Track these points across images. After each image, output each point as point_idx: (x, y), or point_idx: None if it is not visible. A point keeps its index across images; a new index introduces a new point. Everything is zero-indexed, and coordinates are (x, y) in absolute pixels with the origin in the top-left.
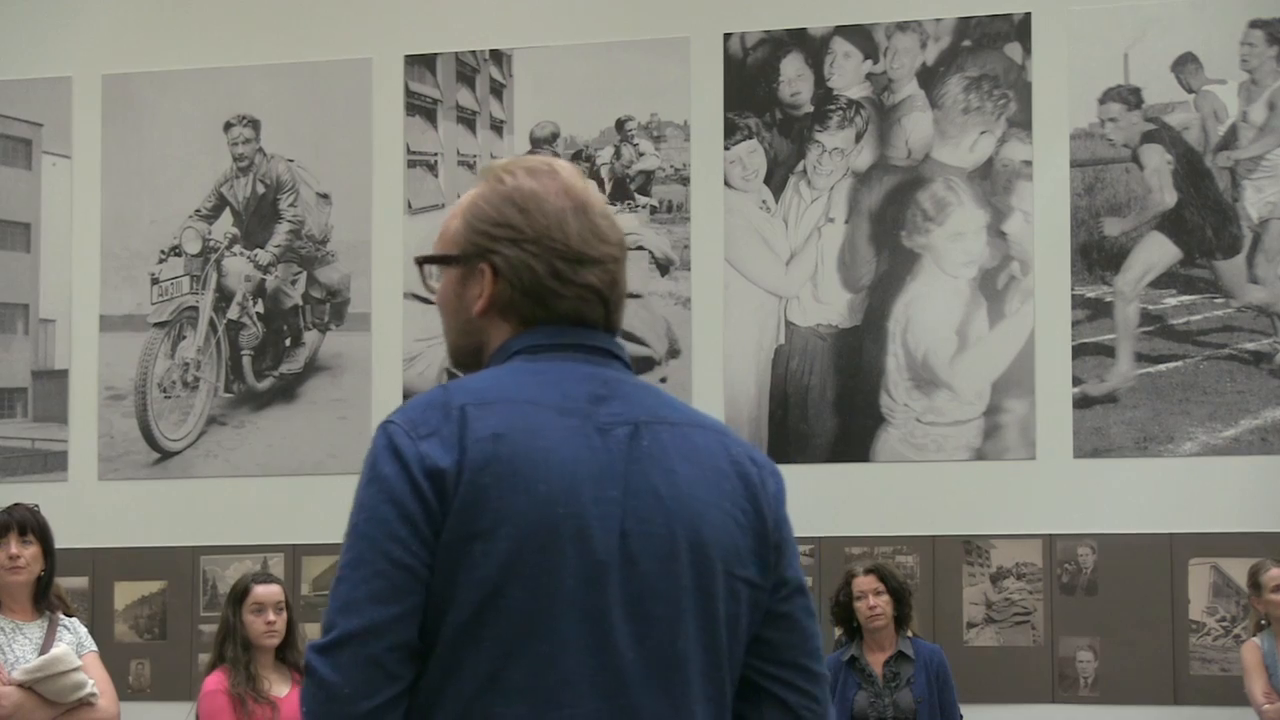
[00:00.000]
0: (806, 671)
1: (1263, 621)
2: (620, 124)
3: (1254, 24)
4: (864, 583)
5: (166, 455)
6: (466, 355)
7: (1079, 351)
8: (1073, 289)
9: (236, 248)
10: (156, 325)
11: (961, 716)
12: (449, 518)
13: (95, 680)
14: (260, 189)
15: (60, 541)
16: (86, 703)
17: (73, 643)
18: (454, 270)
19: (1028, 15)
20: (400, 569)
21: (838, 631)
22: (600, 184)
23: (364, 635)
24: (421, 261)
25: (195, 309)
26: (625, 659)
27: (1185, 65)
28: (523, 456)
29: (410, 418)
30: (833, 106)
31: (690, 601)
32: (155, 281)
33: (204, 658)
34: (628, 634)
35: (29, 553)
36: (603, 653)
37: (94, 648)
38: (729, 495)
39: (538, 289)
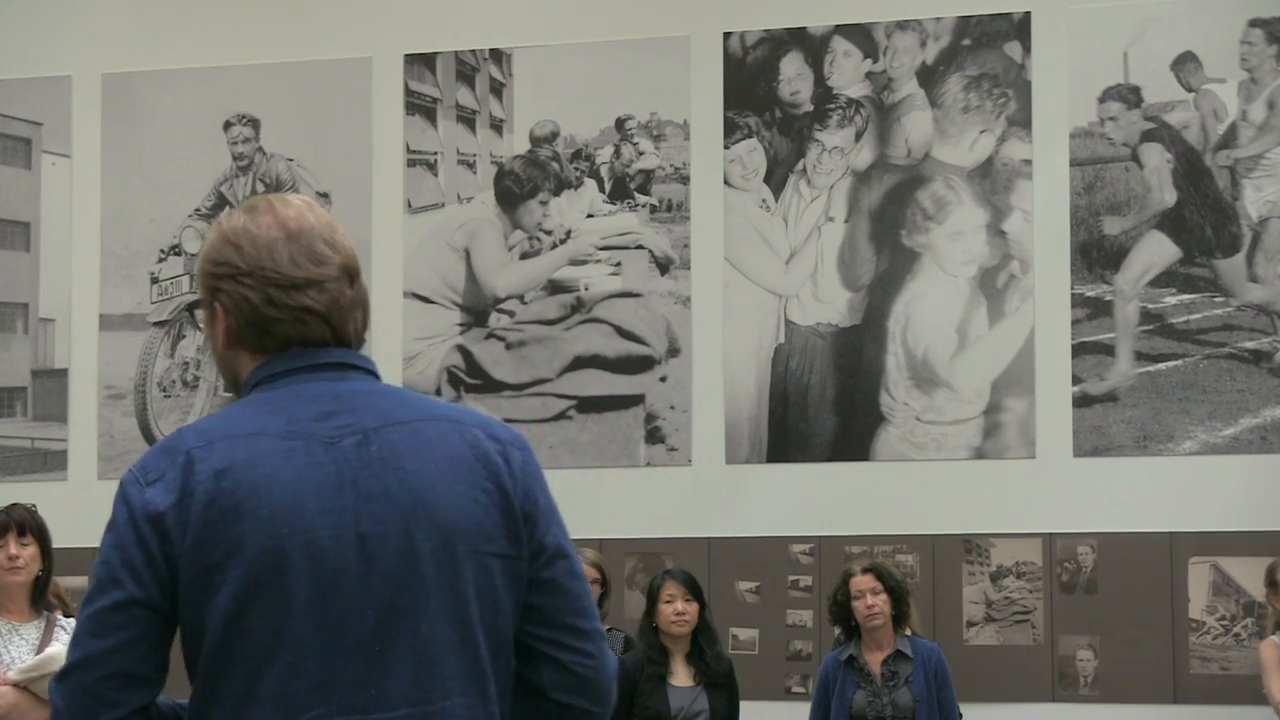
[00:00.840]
0: (575, 630)
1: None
2: (620, 123)
3: (1253, 23)
4: (862, 582)
5: None
6: (234, 389)
7: (1079, 350)
8: (1072, 288)
9: None
10: (156, 324)
11: (961, 715)
12: (184, 556)
13: None
14: (260, 188)
15: (59, 541)
16: None
17: (64, 646)
18: (203, 313)
19: (1027, 14)
20: (117, 608)
21: (836, 631)
22: (600, 183)
23: (81, 666)
24: (189, 308)
25: (195, 309)
26: (370, 652)
27: (1185, 64)
28: (245, 488)
29: (144, 464)
30: (832, 105)
31: (434, 588)
32: (155, 281)
33: None
34: (370, 629)
35: (27, 553)
36: (345, 651)
37: None
38: (466, 479)
39: (257, 318)
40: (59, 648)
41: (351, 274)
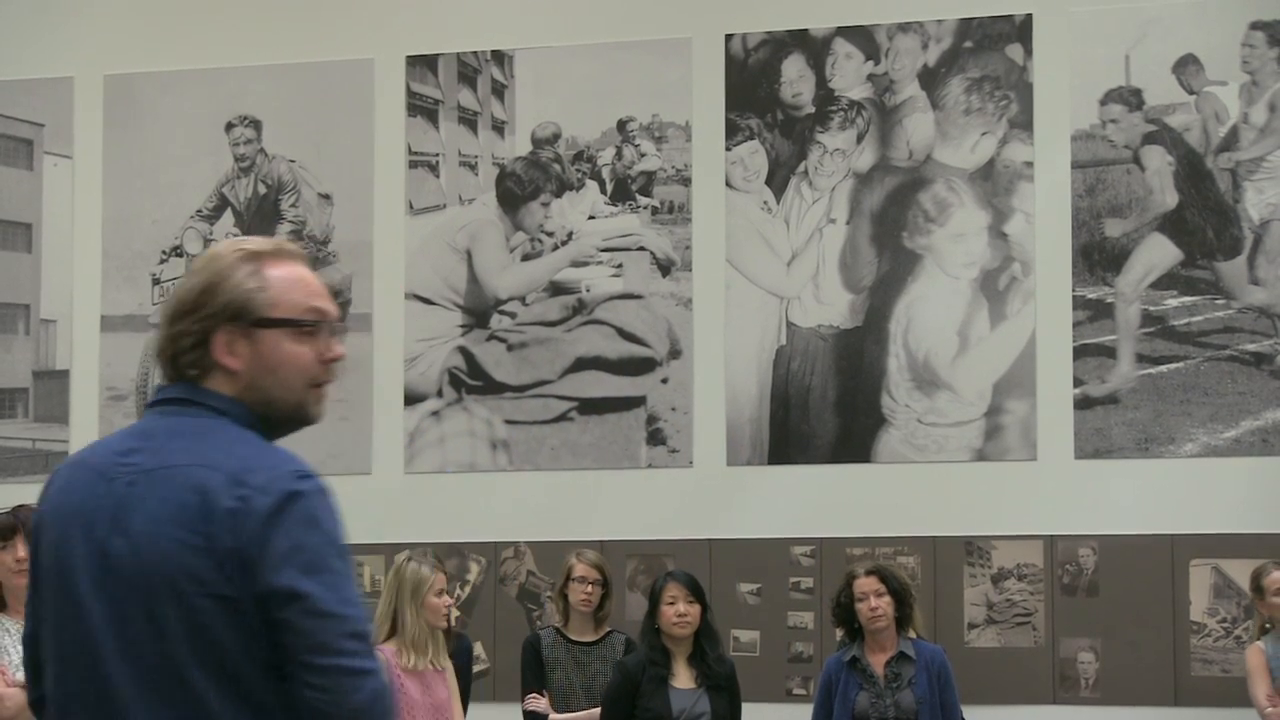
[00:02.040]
0: (309, 666)
1: (1267, 625)
2: (622, 124)
3: (1255, 25)
4: (865, 584)
5: None
6: None
7: (1080, 352)
8: (1074, 290)
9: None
10: (158, 325)
11: (963, 717)
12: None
13: None
14: (262, 189)
15: None
16: None
17: None
18: None
19: (1029, 16)
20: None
21: (839, 632)
22: (602, 184)
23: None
24: None
25: None
26: (106, 676)
27: (1186, 67)
28: (52, 512)
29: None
30: (834, 107)
31: (149, 622)
32: (156, 282)
33: None
34: (108, 654)
35: None
36: (89, 671)
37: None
38: (187, 524)
39: None
40: None
41: (170, 315)
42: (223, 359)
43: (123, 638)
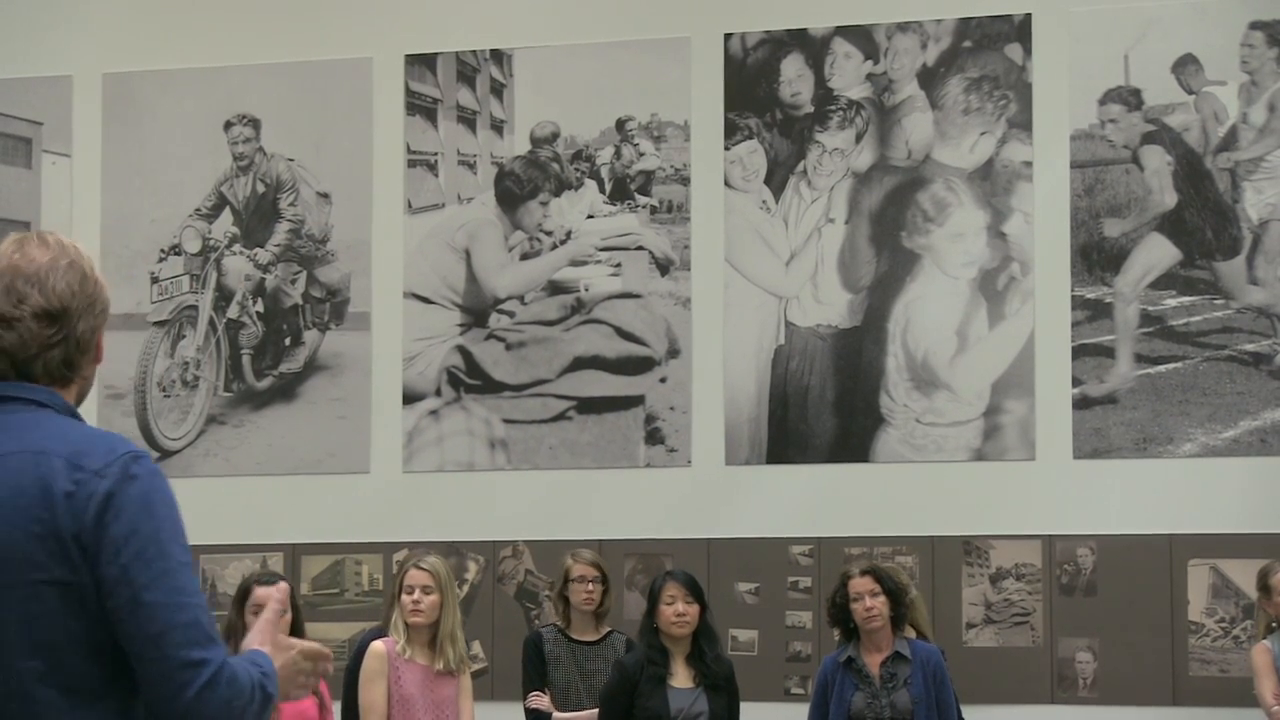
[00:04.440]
0: (142, 659)
1: (1273, 624)
2: (620, 124)
3: (1254, 25)
4: (860, 584)
5: (166, 454)
6: None
7: (1079, 352)
8: (1072, 290)
9: (236, 247)
10: (156, 324)
11: (963, 717)
12: None
13: None
14: (260, 188)
15: None
16: None
17: None
18: None
19: (1028, 16)
20: None
21: (835, 632)
22: (600, 184)
23: None
24: None
25: (195, 308)
26: None
27: (1185, 66)
28: None
29: None
30: (833, 107)
31: None
32: (155, 280)
33: None
34: None
35: None
36: None
37: None
38: (24, 510)
39: None
40: None
41: (55, 317)
42: (99, 356)
43: None
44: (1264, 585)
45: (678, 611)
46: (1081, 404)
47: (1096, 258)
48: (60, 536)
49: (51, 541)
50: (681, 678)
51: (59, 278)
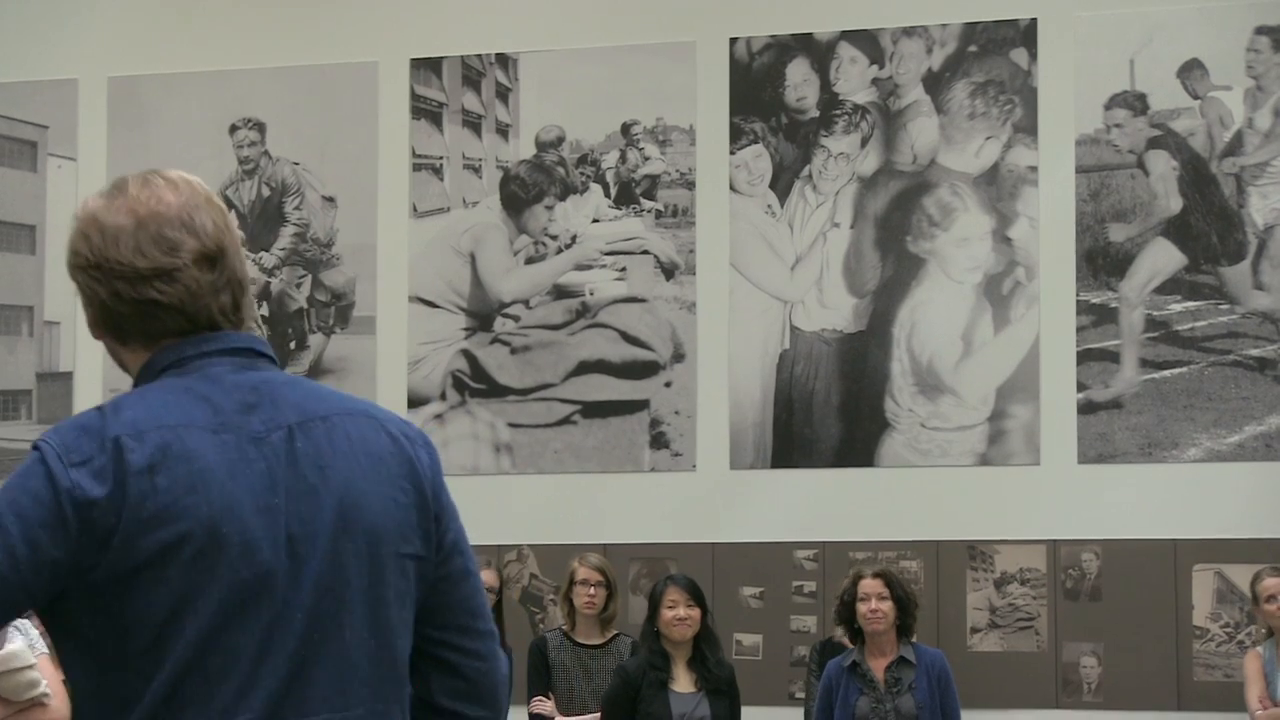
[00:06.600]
0: (466, 630)
1: (1264, 630)
2: (626, 128)
3: (1260, 30)
4: (870, 585)
5: None
6: (123, 370)
7: (1084, 357)
8: (1078, 295)
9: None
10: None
11: None
12: (107, 552)
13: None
14: (265, 192)
15: None
16: (39, 703)
17: (23, 644)
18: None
19: (1034, 21)
20: (3, 582)
21: (838, 631)
22: (605, 188)
23: None
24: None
25: None
26: (296, 658)
27: (1191, 71)
28: (181, 483)
29: (64, 441)
30: (838, 111)
31: (357, 591)
32: None
33: None
34: (298, 634)
35: None
36: (272, 656)
37: (45, 649)
38: (388, 478)
39: (107, 313)
40: (19, 646)
41: (211, 257)
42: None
43: (344, 605)
44: (1253, 593)
45: (679, 616)
46: (1086, 409)
47: (1102, 262)
48: (424, 508)
49: (416, 513)
50: (683, 682)
51: (204, 216)
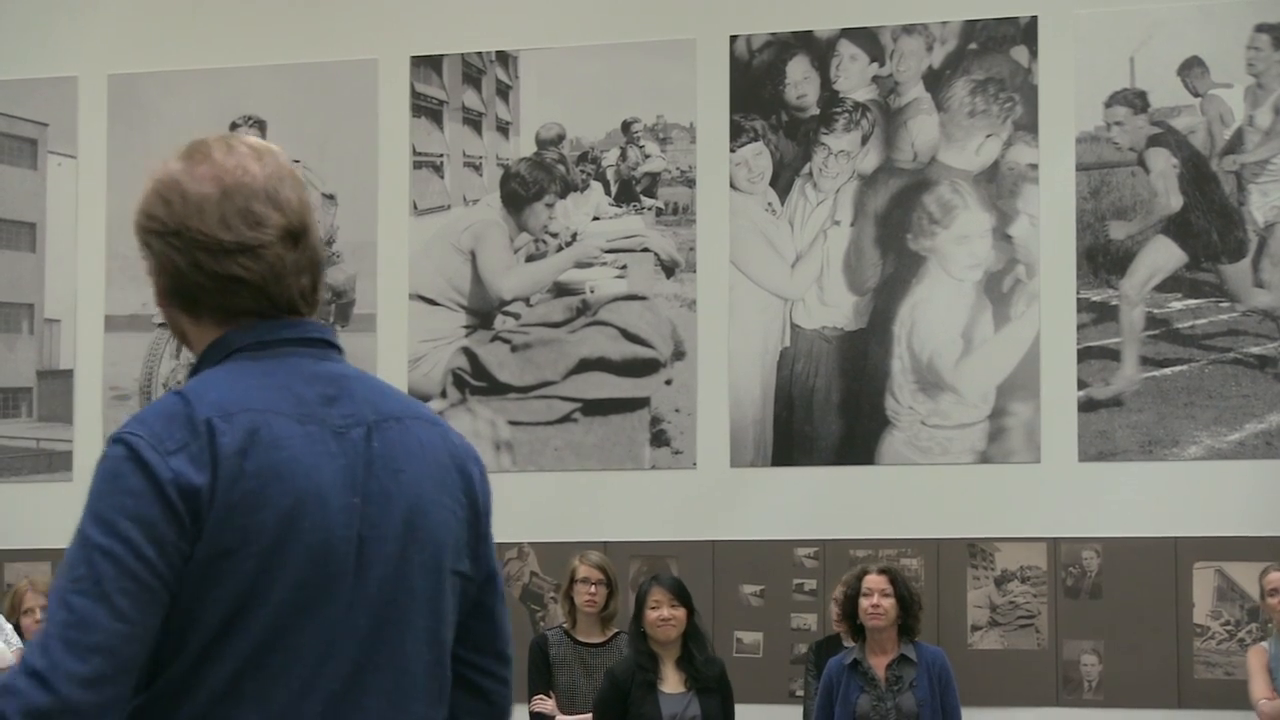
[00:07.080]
0: (501, 657)
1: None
2: (626, 126)
3: (1260, 28)
4: (874, 581)
5: None
6: (182, 343)
7: (1084, 355)
8: (1078, 292)
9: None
10: (161, 325)
11: None
12: (201, 538)
13: None
14: None
15: (62, 542)
16: None
17: (1, 645)
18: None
19: (1034, 19)
20: (145, 591)
21: (836, 627)
22: (606, 186)
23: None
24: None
25: None
26: (355, 664)
27: (1191, 69)
28: (268, 471)
29: (154, 431)
30: (839, 109)
31: (419, 602)
32: None
33: None
34: (359, 638)
35: None
36: (332, 660)
37: (21, 645)
38: (450, 490)
39: (183, 283)
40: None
41: (296, 234)
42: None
43: (407, 613)
44: (1261, 588)
45: (662, 616)
46: (1087, 406)
47: (1102, 260)
48: (476, 526)
49: (468, 530)
50: (672, 682)
51: (289, 189)
